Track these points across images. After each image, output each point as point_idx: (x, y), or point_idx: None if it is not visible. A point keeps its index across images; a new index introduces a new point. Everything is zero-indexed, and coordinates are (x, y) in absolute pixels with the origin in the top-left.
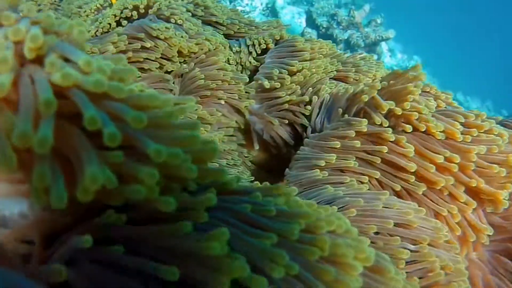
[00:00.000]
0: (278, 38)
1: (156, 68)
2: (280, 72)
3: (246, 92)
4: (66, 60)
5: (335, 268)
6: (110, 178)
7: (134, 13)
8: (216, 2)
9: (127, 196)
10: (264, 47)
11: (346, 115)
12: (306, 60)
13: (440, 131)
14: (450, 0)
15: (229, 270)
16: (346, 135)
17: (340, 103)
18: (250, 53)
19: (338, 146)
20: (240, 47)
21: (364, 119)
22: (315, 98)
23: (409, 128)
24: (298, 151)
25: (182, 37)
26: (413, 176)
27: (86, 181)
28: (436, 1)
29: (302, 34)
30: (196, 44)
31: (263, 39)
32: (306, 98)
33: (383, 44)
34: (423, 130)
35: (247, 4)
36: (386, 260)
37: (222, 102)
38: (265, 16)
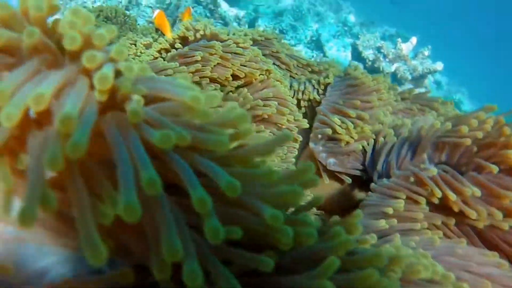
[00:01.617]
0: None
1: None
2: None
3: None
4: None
5: None
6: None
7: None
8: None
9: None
10: (325, 85)
11: (429, 160)
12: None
13: None
14: (496, 31)
15: None
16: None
17: (423, 147)
18: (315, 89)
19: (404, 197)
20: (298, 85)
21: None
22: (381, 140)
23: None
24: (366, 197)
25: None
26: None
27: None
28: (480, 33)
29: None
30: (258, 69)
31: (326, 78)
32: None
33: (429, 76)
34: None
35: (291, 37)
36: None
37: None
38: (310, 49)
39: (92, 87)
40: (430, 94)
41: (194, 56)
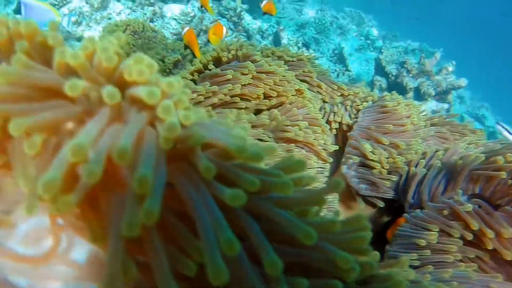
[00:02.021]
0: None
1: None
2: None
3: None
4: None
5: None
6: None
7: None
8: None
9: None
10: (357, 110)
11: (463, 192)
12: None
13: None
14: None
15: None
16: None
17: (457, 179)
18: (347, 112)
19: (436, 230)
20: (331, 108)
21: None
22: (413, 170)
23: None
24: (399, 228)
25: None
26: None
27: None
28: (503, 47)
29: (372, 82)
30: (289, 89)
31: (361, 102)
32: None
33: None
34: None
35: (314, 50)
36: None
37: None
38: (332, 63)
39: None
40: (453, 109)
41: (225, 75)
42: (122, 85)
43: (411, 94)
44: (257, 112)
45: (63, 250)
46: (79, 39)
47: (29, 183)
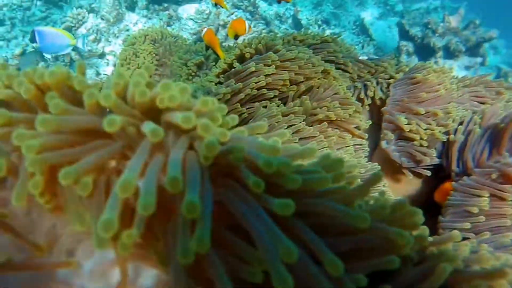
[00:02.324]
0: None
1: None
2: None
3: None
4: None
5: None
6: None
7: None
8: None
9: None
10: (388, 84)
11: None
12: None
13: None
14: None
15: None
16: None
17: (501, 142)
18: (379, 86)
19: (487, 195)
20: (362, 85)
21: None
22: (452, 137)
23: None
24: (449, 197)
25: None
26: None
27: None
28: None
29: (398, 48)
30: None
31: (391, 77)
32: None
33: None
34: None
35: (335, 26)
36: None
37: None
38: (355, 35)
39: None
40: (488, 61)
41: (248, 69)
42: (156, 113)
43: (440, 53)
44: (287, 100)
45: (132, 280)
46: (101, 55)
47: (87, 225)
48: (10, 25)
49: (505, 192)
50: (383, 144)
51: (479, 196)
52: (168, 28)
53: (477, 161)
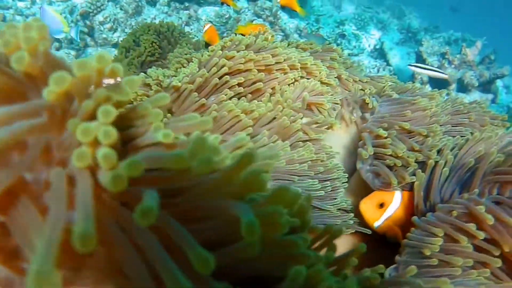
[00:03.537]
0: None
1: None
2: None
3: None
4: None
5: None
6: None
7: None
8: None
9: None
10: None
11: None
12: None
13: None
14: None
15: None
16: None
17: (473, 183)
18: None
19: (441, 235)
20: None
21: None
22: (420, 175)
23: None
24: (408, 234)
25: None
26: None
27: None
28: None
29: (413, 75)
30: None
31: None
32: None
33: (498, 80)
34: None
35: (354, 47)
36: None
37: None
38: (373, 58)
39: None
40: (499, 99)
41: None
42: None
43: (454, 86)
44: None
45: None
46: (115, 45)
47: None
48: (30, 2)
49: (462, 232)
50: (358, 164)
51: (435, 235)
52: (186, 28)
53: (443, 198)
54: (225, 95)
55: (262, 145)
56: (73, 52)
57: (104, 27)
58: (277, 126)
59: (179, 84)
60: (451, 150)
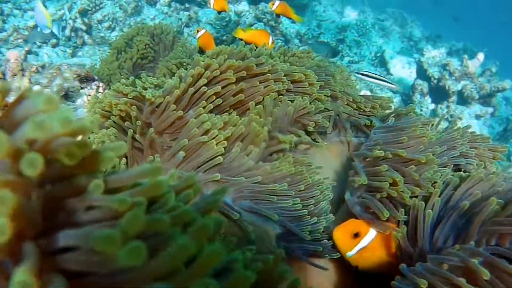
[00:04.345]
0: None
1: None
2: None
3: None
4: None
5: None
6: None
7: None
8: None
9: None
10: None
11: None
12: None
13: None
14: None
15: None
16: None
17: (469, 234)
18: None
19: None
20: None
21: None
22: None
23: None
24: (394, 282)
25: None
26: None
27: None
28: None
29: (413, 86)
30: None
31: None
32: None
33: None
34: None
35: (355, 54)
36: None
37: None
38: (373, 66)
39: None
40: (498, 113)
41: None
42: None
43: (454, 98)
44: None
45: None
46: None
47: None
48: None
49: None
50: (347, 194)
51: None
52: (186, 29)
53: (435, 244)
54: (203, 107)
55: (232, 160)
56: (69, 50)
57: (102, 26)
58: (248, 137)
59: (153, 98)
60: (446, 187)
